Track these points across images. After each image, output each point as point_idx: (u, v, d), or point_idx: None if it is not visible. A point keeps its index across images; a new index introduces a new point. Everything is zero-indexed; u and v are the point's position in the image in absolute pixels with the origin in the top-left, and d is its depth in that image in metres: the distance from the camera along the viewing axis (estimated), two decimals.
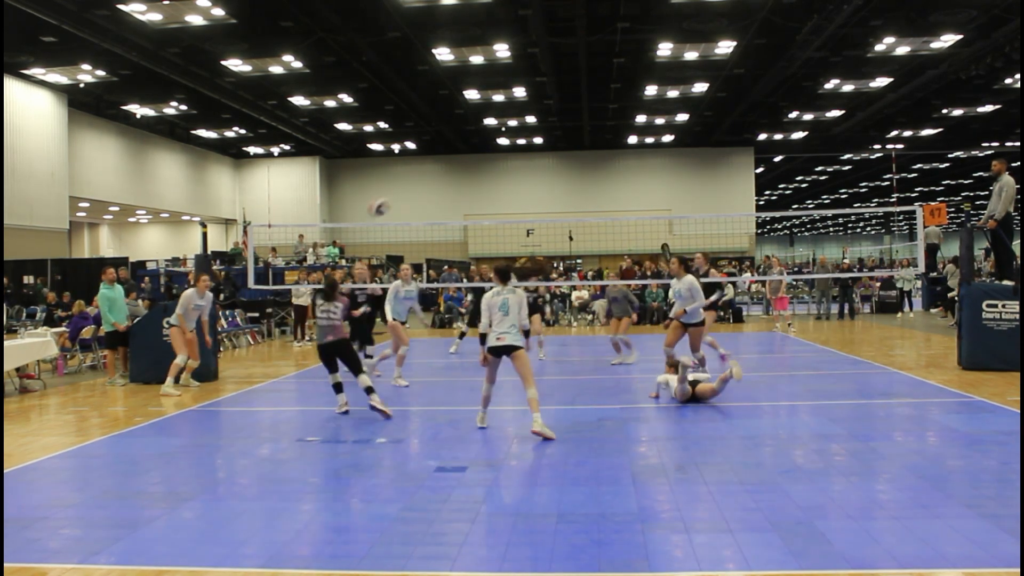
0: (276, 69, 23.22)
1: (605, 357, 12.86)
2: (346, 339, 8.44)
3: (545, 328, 17.09)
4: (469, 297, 21.44)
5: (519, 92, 26.51)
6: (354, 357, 8.39)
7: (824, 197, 60.48)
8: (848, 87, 26.52)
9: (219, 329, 14.13)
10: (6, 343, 10.23)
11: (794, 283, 21.03)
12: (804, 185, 54.32)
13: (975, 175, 48.08)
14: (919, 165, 44.90)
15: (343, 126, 31.80)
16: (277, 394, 10.47)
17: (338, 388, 8.43)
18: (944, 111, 30.44)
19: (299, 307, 17.30)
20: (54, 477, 6.26)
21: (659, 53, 22.21)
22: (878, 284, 23.72)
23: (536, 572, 4.02)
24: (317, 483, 5.83)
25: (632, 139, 35.86)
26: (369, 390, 8.10)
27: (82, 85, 24.64)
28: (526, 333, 7.64)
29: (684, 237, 33.50)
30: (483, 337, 7.44)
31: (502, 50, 21.78)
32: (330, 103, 27.88)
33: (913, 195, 56.38)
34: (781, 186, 55.41)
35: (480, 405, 7.52)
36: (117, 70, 22.98)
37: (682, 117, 30.88)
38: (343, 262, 24.70)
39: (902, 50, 22.20)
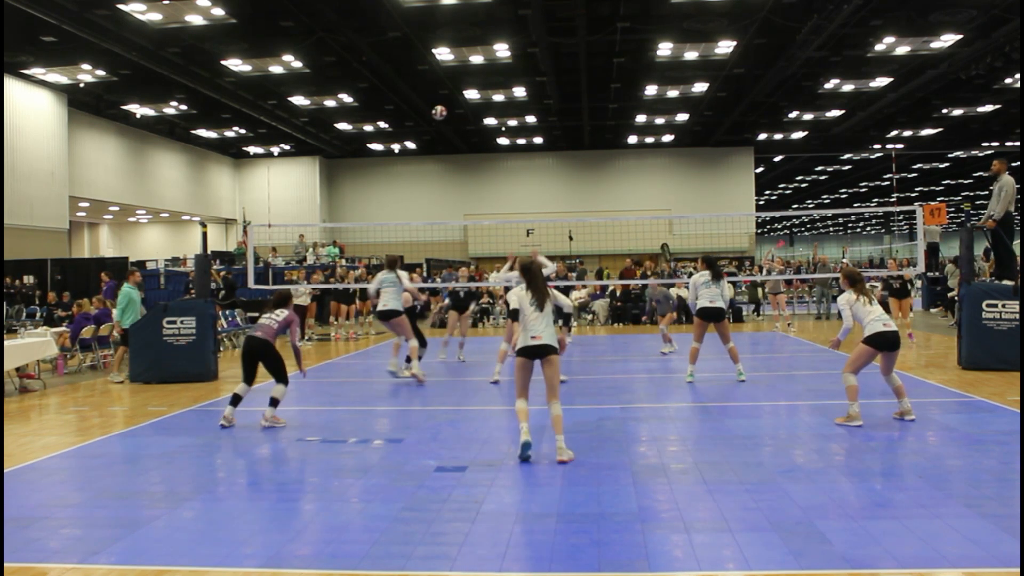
0: (276, 69, 23.22)
1: (605, 357, 12.87)
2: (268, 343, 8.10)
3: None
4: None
5: (519, 92, 26.51)
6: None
7: (824, 197, 60.49)
8: (848, 87, 26.52)
9: (219, 329, 14.13)
10: (6, 343, 10.23)
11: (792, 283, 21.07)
12: (804, 185, 54.33)
13: (975, 175, 48.10)
14: (919, 165, 44.92)
15: (343, 126, 31.81)
16: None
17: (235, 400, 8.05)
18: (944, 111, 30.45)
19: (298, 307, 17.29)
20: (54, 477, 6.25)
21: (659, 53, 22.21)
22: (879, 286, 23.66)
23: (536, 572, 4.02)
24: (317, 483, 5.82)
25: (632, 139, 35.86)
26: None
27: (82, 85, 24.64)
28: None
29: (684, 237, 33.50)
30: (514, 314, 6.45)
31: (502, 50, 21.78)
32: (330, 103, 27.88)
33: (913, 195, 56.38)
34: (781, 186, 55.41)
35: (520, 421, 6.26)
36: (117, 70, 22.98)
37: (682, 117, 30.88)
38: (343, 262, 24.73)
39: (902, 50, 22.20)
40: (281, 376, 8.01)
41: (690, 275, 14.84)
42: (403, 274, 10.93)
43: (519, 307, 6.29)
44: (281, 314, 8.20)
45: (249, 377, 8.05)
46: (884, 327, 7.25)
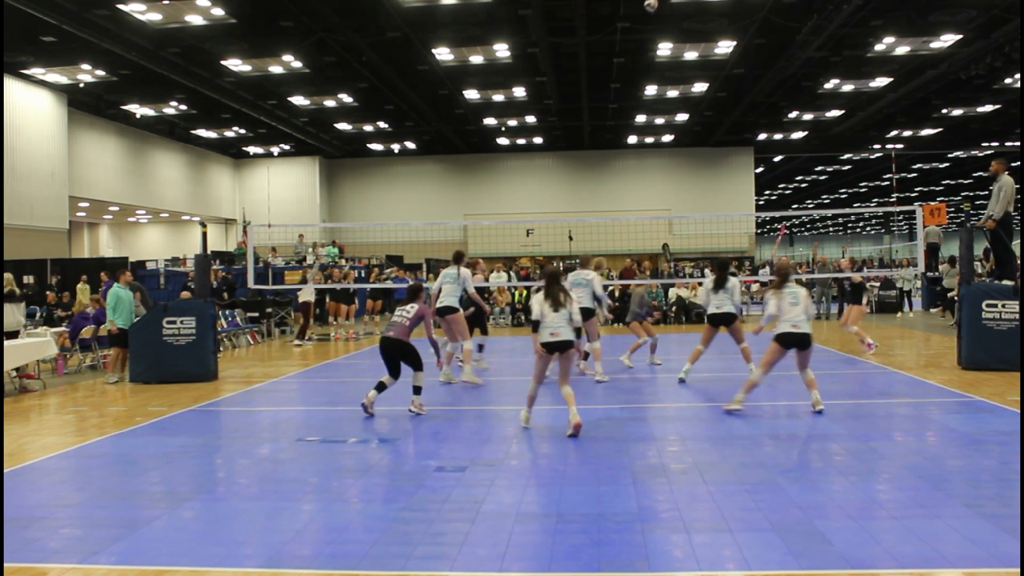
0: (276, 69, 23.22)
1: (605, 357, 12.84)
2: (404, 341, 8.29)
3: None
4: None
5: (519, 92, 26.51)
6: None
7: (824, 197, 60.49)
8: (848, 87, 26.52)
9: (219, 329, 14.12)
10: (6, 343, 10.23)
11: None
12: (804, 185, 54.34)
13: (975, 175, 48.10)
14: (919, 165, 44.92)
15: (343, 126, 31.80)
16: (277, 394, 10.46)
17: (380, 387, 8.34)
18: (944, 111, 30.45)
19: (305, 304, 17.17)
20: (54, 477, 6.25)
21: (659, 53, 22.21)
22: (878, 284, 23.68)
23: (536, 572, 4.03)
24: (317, 483, 5.82)
25: (632, 139, 35.87)
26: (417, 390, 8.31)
27: (82, 85, 24.63)
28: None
29: (684, 237, 33.51)
30: (535, 325, 7.27)
31: (502, 50, 21.78)
32: (330, 103, 27.87)
33: (913, 195, 56.38)
34: (781, 186, 55.41)
35: (525, 404, 7.49)
36: (117, 70, 22.97)
37: (682, 117, 30.88)
38: (342, 262, 24.73)
39: (902, 50, 22.20)
40: (418, 364, 8.26)
41: (690, 275, 14.74)
42: (466, 272, 10.38)
43: (539, 311, 7.16)
44: (412, 309, 8.30)
45: (393, 371, 8.27)
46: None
